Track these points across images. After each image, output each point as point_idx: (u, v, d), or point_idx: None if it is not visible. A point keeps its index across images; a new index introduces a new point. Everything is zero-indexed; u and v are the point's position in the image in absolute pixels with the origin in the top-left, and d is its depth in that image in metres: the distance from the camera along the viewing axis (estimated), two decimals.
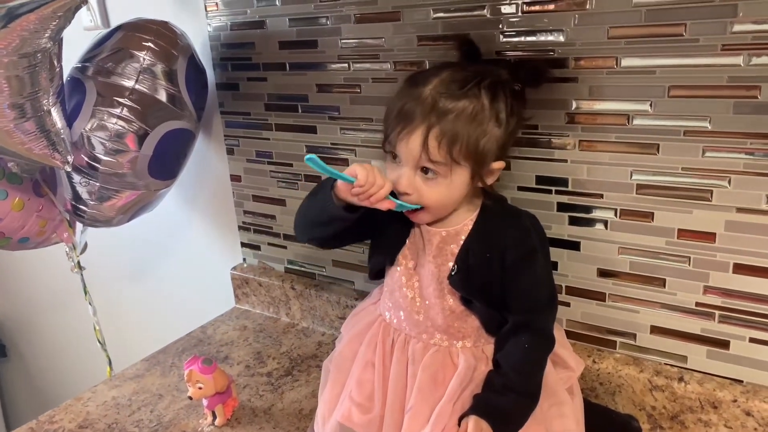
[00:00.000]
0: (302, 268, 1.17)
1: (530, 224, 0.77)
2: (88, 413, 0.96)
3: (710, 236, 0.76)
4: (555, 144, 0.83)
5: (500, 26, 0.82)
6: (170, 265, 1.36)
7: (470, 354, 0.77)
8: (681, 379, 0.80)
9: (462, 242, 0.76)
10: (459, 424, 0.72)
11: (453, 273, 0.76)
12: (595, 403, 0.83)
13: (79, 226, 1.06)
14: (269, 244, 1.20)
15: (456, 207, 0.76)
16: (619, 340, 0.86)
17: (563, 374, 0.79)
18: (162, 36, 0.92)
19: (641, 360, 0.84)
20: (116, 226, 1.03)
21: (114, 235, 1.23)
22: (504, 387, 0.73)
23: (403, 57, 0.92)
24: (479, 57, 0.79)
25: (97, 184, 0.93)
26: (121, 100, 0.88)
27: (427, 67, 0.89)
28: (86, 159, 0.90)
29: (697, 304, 0.79)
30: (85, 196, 0.95)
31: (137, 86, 0.90)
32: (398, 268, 0.81)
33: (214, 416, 0.91)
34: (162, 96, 0.92)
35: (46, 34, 0.74)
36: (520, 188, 0.87)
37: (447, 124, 0.70)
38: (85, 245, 1.10)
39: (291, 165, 1.11)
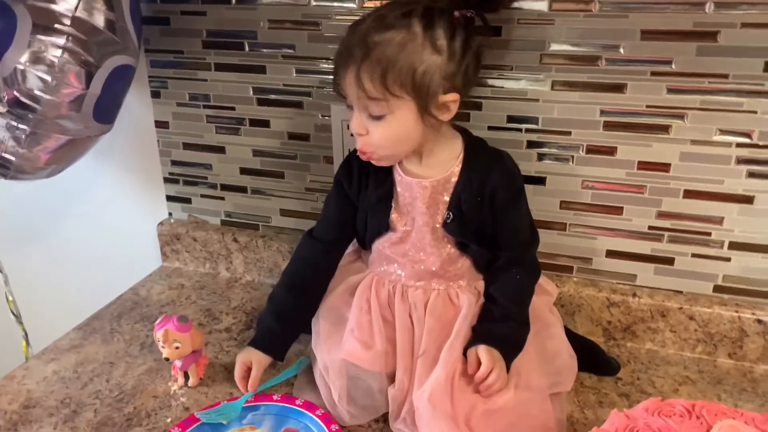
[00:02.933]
0: (242, 220, 1.11)
1: (512, 164, 0.81)
2: (29, 392, 0.84)
3: (666, 166, 0.86)
4: (528, 84, 0.87)
5: None
6: (78, 224, 1.21)
7: (468, 292, 0.81)
8: (634, 295, 0.91)
9: (452, 189, 0.79)
10: (465, 355, 0.75)
11: (448, 221, 0.78)
12: (580, 336, 0.90)
13: None
14: (203, 195, 1.12)
15: (415, 146, 0.77)
16: (576, 265, 0.95)
17: (544, 297, 0.86)
18: None
19: (597, 282, 0.94)
20: (47, 178, 0.89)
21: (10, 191, 1.07)
22: (503, 316, 0.78)
23: None
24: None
25: (28, 128, 0.79)
26: (63, 28, 0.76)
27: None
28: (20, 98, 0.76)
29: (650, 227, 0.89)
30: (10, 143, 0.80)
31: (78, 13, 0.77)
32: (392, 230, 0.82)
33: (186, 377, 0.85)
34: (106, 26, 0.80)
35: None
36: (491, 128, 0.91)
37: (375, 57, 0.70)
38: None
39: (233, 108, 1.03)
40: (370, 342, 0.78)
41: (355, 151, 0.81)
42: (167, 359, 0.81)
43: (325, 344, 0.80)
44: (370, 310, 0.81)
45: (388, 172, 0.81)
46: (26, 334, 1.02)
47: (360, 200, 0.84)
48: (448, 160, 0.79)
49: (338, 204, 0.86)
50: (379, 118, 0.73)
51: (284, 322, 0.84)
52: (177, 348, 0.81)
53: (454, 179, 0.79)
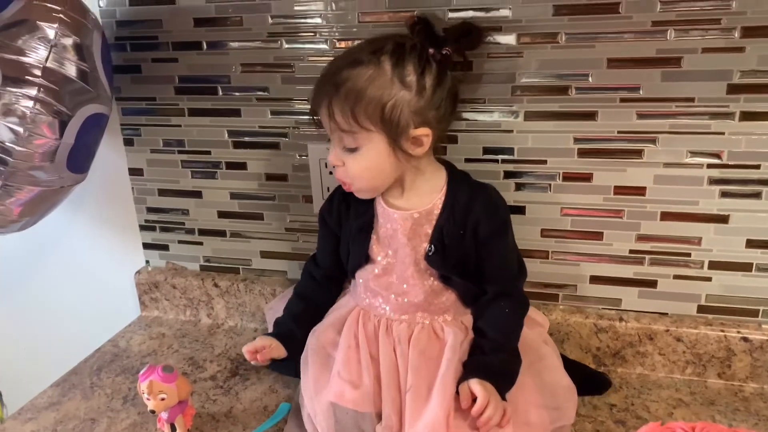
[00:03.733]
0: (222, 265, 1.09)
1: (496, 197, 0.82)
2: None
3: (641, 190, 0.87)
4: (502, 116, 0.88)
5: (448, 2, 0.85)
6: (53, 277, 1.18)
7: (453, 326, 0.80)
8: (621, 319, 0.91)
9: (435, 222, 0.79)
10: (457, 391, 0.74)
11: (430, 253, 0.78)
12: (569, 359, 0.90)
13: None
14: (180, 241, 1.10)
15: (391, 178, 0.78)
16: (561, 293, 0.95)
17: (536, 330, 0.85)
18: (73, 6, 0.80)
19: (583, 308, 0.94)
20: (19, 231, 0.87)
21: None
22: (493, 350, 0.77)
23: (343, 35, 0.91)
24: (432, 35, 0.78)
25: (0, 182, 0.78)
26: (34, 79, 0.75)
27: None
28: None
29: (630, 251, 0.90)
30: None
31: (49, 64, 0.77)
32: (373, 261, 0.82)
33: (173, 429, 0.82)
34: (78, 75, 0.79)
35: None
36: (468, 160, 0.91)
37: (345, 92, 0.73)
38: None
39: (209, 153, 1.03)
40: (357, 381, 0.77)
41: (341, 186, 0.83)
42: (153, 412, 0.78)
43: (314, 387, 0.79)
44: (358, 346, 0.80)
45: (369, 203, 0.82)
46: (0, 394, 0.98)
47: (342, 231, 0.85)
48: (430, 193, 0.80)
49: (324, 236, 0.89)
50: (352, 150, 0.75)
51: (301, 325, 0.86)
52: (163, 399, 0.78)
53: (437, 212, 0.79)
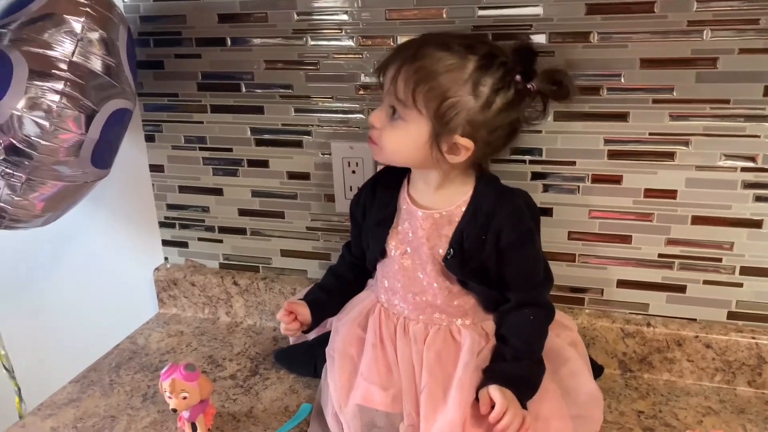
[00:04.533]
0: (242, 263, 1.08)
1: (523, 203, 0.79)
2: None
3: (672, 193, 0.85)
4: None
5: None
6: (71, 273, 1.17)
7: (472, 330, 0.79)
8: (649, 324, 0.89)
9: (456, 224, 0.77)
10: (477, 397, 0.73)
11: (449, 256, 0.77)
12: None
13: None
14: (200, 239, 1.09)
15: (415, 163, 0.77)
16: (587, 297, 0.93)
17: (563, 333, 0.84)
18: (99, 0, 0.79)
19: (609, 312, 0.92)
20: (42, 226, 0.86)
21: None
22: (515, 357, 0.76)
23: (369, 32, 0.90)
24: (529, 66, 0.74)
25: (24, 176, 0.77)
26: (60, 73, 0.74)
27: (396, 43, 0.88)
28: (17, 144, 0.74)
29: (659, 255, 0.88)
30: (5, 191, 0.78)
31: (75, 58, 0.76)
32: (390, 256, 0.81)
33: (194, 428, 0.81)
34: (104, 70, 0.79)
35: None
36: (494, 160, 0.90)
37: (419, 65, 0.71)
38: None
39: (230, 150, 1.02)
40: (384, 382, 0.76)
41: (373, 178, 0.85)
42: (174, 410, 0.77)
43: (340, 387, 0.78)
44: (383, 345, 0.79)
45: (393, 197, 0.81)
46: (19, 389, 0.98)
47: (365, 223, 0.85)
48: (457, 195, 0.78)
49: (353, 226, 0.89)
50: (397, 119, 0.74)
51: (330, 296, 0.88)
52: (185, 398, 0.77)
53: (460, 214, 0.77)
